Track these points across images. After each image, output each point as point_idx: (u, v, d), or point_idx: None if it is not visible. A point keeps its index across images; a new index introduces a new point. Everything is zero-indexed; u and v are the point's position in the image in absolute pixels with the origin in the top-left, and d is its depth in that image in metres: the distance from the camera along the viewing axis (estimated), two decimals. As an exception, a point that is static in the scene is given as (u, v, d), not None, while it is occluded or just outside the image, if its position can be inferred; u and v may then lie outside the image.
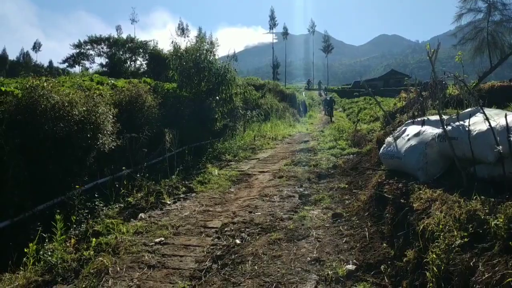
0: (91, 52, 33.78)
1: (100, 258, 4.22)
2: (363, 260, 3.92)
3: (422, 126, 4.89)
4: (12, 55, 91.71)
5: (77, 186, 5.77)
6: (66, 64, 34.81)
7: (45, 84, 6.42)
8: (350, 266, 3.84)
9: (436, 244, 2.94)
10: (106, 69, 32.89)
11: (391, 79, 65.62)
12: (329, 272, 3.76)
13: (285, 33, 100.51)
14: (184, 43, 13.93)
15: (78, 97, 6.86)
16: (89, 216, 5.60)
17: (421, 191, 3.95)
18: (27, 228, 5.45)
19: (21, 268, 4.18)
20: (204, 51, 13.46)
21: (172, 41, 13.86)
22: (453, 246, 2.76)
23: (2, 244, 5.14)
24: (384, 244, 4.06)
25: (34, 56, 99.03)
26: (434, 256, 2.85)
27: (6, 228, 5.51)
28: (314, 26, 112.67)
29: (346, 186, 7.04)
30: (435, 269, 2.78)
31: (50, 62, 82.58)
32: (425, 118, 5.16)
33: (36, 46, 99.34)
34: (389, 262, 3.68)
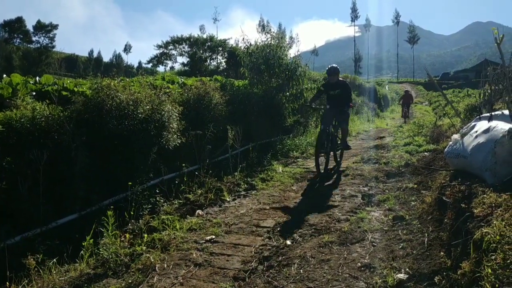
0: (173, 52, 35.36)
1: (148, 255, 4.30)
2: (417, 269, 3.57)
3: (489, 121, 4.34)
4: (106, 57, 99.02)
5: (129, 183, 5.91)
6: (151, 64, 36.78)
7: (111, 84, 6.70)
8: (402, 275, 3.52)
9: (492, 257, 2.57)
10: (187, 68, 34.36)
11: (484, 69, 60.56)
12: (378, 281, 3.48)
13: (367, 25, 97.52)
14: (259, 39, 13.86)
15: (144, 96, 7.08)
16: (147, 212, 5.76)
17: (485, 195, 3.50)
18: (93, 222, 5.73)
19: (77, 260, 4.38)
20: (275, 47, 13.31)
21: (243, 38, 13.88)
22: (509, 261, 2.39)
23: (70, 236, 5.45)
24: (442, 253, 3.66)
25: (125, 57, 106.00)
26: (490, 271, 2.49)
27: (75, 221, 5.84)
28: (398, 17, 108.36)
29: (415, 186, 6.54)
30: (488, 286, 2.42)
31: (140, 63, 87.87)
32: (500, 112, 4.58)
33: (127, 48, 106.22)
34: (444, 273, 3.30)
